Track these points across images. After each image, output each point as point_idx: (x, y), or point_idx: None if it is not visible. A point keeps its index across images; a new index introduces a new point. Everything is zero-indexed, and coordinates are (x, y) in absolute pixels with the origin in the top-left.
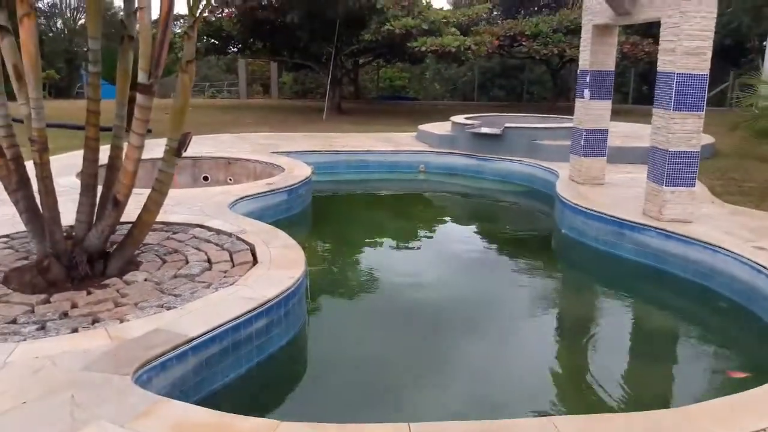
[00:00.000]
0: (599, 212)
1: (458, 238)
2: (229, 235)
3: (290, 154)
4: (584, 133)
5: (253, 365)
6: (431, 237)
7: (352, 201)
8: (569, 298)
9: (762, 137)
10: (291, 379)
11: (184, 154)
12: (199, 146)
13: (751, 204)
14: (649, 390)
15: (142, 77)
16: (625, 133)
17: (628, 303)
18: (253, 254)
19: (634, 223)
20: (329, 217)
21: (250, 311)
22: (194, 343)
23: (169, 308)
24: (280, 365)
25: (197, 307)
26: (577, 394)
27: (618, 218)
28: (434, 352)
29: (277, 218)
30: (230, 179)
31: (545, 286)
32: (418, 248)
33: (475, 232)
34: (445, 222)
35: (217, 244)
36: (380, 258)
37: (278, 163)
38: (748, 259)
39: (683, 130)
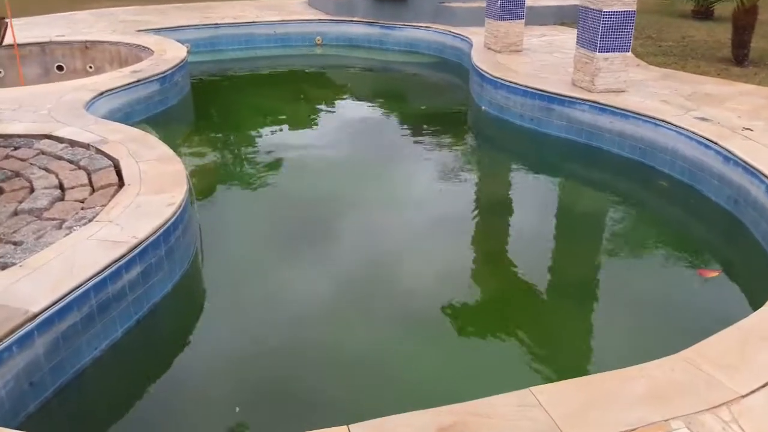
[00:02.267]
0: (525, 86)
1: (364, 121)
2: (87, 147)
3: (161, 31)
4: None
5: (131, 325)
6: (335, 122)
7: (240, 85)
8: (495, 184)
9: None
10: (180, 336)
11: (6, 42)
12: (49, 28)
13: (676, 65)
14: (613, 299)
15: None
16: None
17: (563, 188)
18: (119, 173)
19: (566, 96)
20: (213, 108)
21: (116, 261)
22: (41, 318)
23: (5, 266)
24: (167, 318)
25: (45, 261)
26: (501, 288)
27: (547, 92)
28: (350, 262)
29: (149, 115)
30: (90, 67)
31: (468, 171)
32: (322, 136)
33: (383, 113)
34: (348, 103)
35: (71, 161)
36: (278, 154)
37: (146, 44)
38: (693, 132)
39: None
